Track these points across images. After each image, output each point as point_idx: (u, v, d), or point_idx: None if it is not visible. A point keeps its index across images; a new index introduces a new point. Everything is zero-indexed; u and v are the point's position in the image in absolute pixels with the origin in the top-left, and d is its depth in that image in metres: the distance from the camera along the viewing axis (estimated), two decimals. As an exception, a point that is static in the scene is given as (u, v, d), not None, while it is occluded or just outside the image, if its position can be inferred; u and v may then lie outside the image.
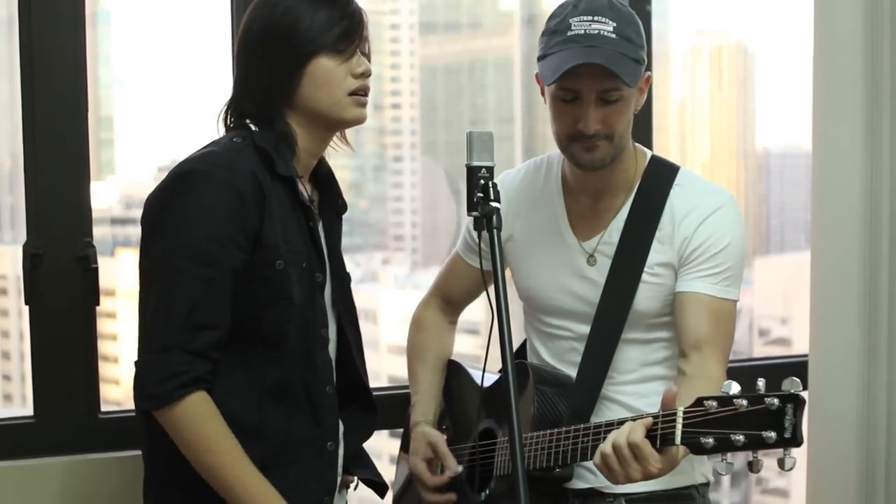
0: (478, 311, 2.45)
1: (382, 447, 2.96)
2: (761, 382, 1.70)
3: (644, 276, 2.10)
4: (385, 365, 4.05)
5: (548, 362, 2.21)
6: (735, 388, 1.71)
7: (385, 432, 2.72)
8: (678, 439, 1.74)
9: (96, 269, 2.41)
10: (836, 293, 2.84)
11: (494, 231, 1.84)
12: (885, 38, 2.78)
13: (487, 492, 2.18)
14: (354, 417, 2.13)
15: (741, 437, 1.68)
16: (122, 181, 3.53)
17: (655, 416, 1.79)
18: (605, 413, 2.13)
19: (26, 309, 2.44)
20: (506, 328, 1.78)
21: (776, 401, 1.67)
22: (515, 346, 2.35)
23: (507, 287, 1.85)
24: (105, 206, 3.19)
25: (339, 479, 2.09)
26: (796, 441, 1.67)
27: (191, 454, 1.89)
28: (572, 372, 2.16)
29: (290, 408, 1.96)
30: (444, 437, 2.29)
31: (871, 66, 2.79)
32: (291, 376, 1.94)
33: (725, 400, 1.71)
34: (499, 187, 2.27)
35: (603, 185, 2.16)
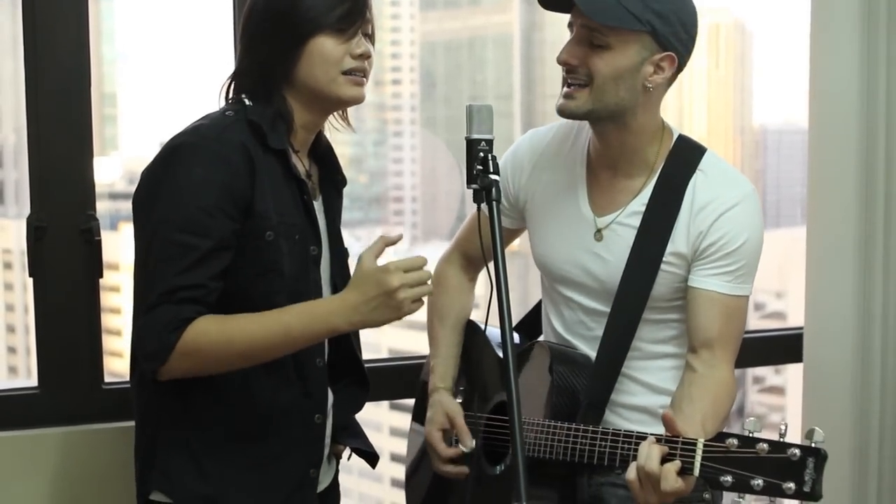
0: (477, 286, 2.46)
1: (383, 419, 2.99)
2: (784, 427, 1.73)
3: (662, 265, 2.09)
4: (385, 337, 4.06)
5: (559, 332, 2.22)
6: (757, 426, 1.74)
7: (385, 404, 2.74)
8: (696, 471, 1.77)
9: (99, 242, 2.43)
10: (832, 267, 2.87)
11: (494, 203, 1.83)
12: (881, 17, 2.81)
13: (503, 466, 2.19)
14: (346, 392, 2.15)
15: (760, 482, 1.70)
16: (125, 157, 3.54)
17: (675, 443, 1.80)
18: (621, 390, 2.14)
19: (31, 283, 2.45)
20: (505, 304, 1.78)
21: (798, 452, 1.69)
22: (518, 317, 2.41)
23: (506, 264, 1.85)
24: (108, 182, 3.19)
25: (326, 451, 2.10)
26: (815, 496, 1.69)
27: (224, 366, 1.90)
28: (582, 344, 2.17)
29: (278, 379, 1.97)
30: (459, 399, 2.30)
31: (867, 44, 2.81)
32: None
33: (747, 441, 1.73)
34: (526, 144, 2.27)
35: (619, 159, 2.13)
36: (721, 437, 1.75)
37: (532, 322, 2.36)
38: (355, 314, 1.85)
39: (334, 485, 2.20)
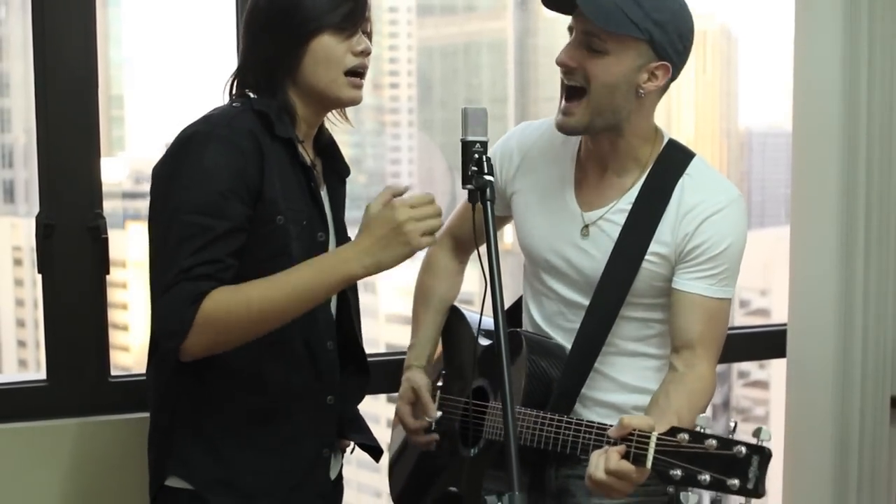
0: (471, 282, 2.47)
1: (381, 411, 3.03)
2: (733, 423, 1.74)
3: (644, 263, 2.11)
4: (383, 333, 4.11)
5: (537, 322, 2.24)
6: (709, 423, 1.75)
7: (382, 397, 2.77)
8: (648, 463, 1.78)
9: (106, 240, 2.46)
10: (814, 266, 2.90)
11: (488, 203, 1.85)
12: (863, 23, 2.84)
13: (476, 450, 2.22)
14: (349, 380, 2.16)
15: (707, 478, 1.72)
16: (132, 157, 3.57)
17: (630, 436, 1.82)
18: (593, 386, 2.17)
19: (40, 279, 2.49)
20: (498, 300, 1.80)
21: (744, 450, 1.70)
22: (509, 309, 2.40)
23: (500, 260, 1.86)
24: (115, 181, 3.23)
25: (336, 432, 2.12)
26: (757, 493, 1.69)
27: (244, 334, 1.89)
28: (560, 336, 2.19)
29: (290, 362, 2.00)
30: (440, 382, 2.34)
31: (850, 49, 2.84)
32: (292, 331, 1.95)
33: (697, 436, 1.74)
34: (517, 137, 2.28)
35: (609, 158, 2.15)
36: (673, 431, 1.77)
37: (513, 315, 2.37)
38: (367, 256, 1.85)
39: (339, 478, 2.22)
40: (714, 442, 1.72)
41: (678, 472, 1.75)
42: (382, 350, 2.83)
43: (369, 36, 2.04)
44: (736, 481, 1.70)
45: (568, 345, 2.18)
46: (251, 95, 2.00)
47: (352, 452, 2.26)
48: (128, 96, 3.60)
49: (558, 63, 2.08)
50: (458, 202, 2.45)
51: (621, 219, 2.13)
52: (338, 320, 2.13)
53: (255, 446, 2.01)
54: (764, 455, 1.70)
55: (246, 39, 2.03)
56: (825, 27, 2.85)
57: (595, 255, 2.15)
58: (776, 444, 3.12)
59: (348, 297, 2.15)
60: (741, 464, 1.70)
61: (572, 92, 2.07)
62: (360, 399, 2.24)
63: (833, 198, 2.88)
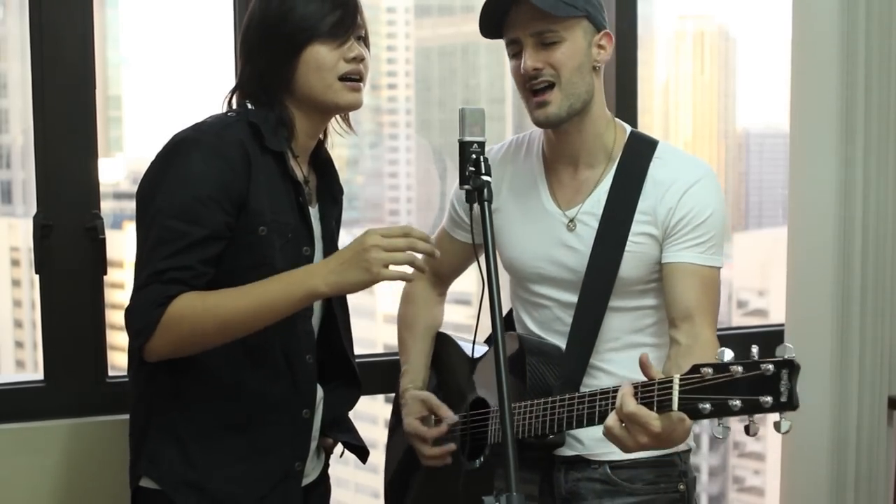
0: (469, 282, 2.50)
1: (378, 412, 3.04)
2: (755, 349, 1.71)
3: (628, 245, 2.12)
4: (381, 333, 4.12)
5: (534, 332, 2.23)
6: (729, 354, 1.71)
7: (380, 398, 2.78)
8: (675, 406, 1.75)
9: (103, 240, 2.46)
10: (811, 267, 2.90)
11: (486, 203, 1.85)
12: (860, 24, 2.85)
13: (482, 459, 2.21)
14: (337, 391, 2.17)
15: (738, 402, 1.68)
16: (129, 158, 3.59)
17: (651, 383, 1.79)
18: (594, 382, 2.15)
19: (37, 280, 2.49)
20: (496, 299, 1.79)
21: (771, 367, 1.67)
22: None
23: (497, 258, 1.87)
24: (113, 182, 3.24)
25: (313, 445, 2.12)
26: (792, 404, 1.67)
27: (208, 339, 1.92)
28: (558, 341, 2.18)
29: (268, 372, 2.00)
30: None
31: (847, 51, 2.85)
32: (272, 342, 1.98)
33: (721, 367, 1.70)
34: None
35: (578, 150, 2.18)
36: (695, 368, 1.74)
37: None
38: (331, 274, 1.87)
39: (323, 477, 2.22)
40: (739, 367, 1.69)
41: (707, 406, 1.71)
42: (380, 350, 2.82)
43: (365, 40, 2.05)
44: (769, 398, 1.67)
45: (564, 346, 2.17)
46: (249, 106, 2.02)
47: (341, 455, 2.26)
48: (125, 97, 3.62)
49: (526, 71, 2.10)
50: (447, 201, 2.45)
51: (599, 209, 2.15)
52: (324, 334, 2.14)
53: (226, 452, 2.01)
54: (793, 367, 1.68)
55: (242, 56, 2.06)
56: (822, 29, 2.86)
57: (580, 249, 2.16)
58: (773, 443, 3.12)
59: (335, 312, 2.15)
60: (771, 380, 1.67)
61: (541, 88, 2.11)
62: (348, 409, 2.24)
63: (830, 199, 2.88)
